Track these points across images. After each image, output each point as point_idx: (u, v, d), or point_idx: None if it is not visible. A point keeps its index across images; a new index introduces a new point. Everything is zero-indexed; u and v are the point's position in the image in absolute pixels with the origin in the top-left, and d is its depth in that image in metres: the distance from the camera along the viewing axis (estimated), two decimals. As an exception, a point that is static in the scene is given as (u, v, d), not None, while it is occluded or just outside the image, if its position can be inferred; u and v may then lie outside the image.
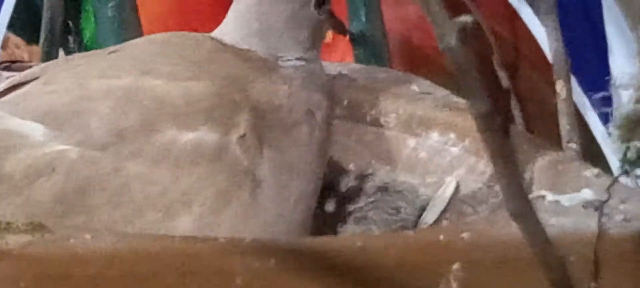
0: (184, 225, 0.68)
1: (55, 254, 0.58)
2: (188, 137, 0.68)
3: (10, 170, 0.67)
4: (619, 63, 0.97)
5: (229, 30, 0.78)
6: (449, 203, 0.76)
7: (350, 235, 0.78)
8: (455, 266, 0.57)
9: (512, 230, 0.54)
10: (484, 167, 0.75)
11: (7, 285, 0.58)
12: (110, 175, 0.67)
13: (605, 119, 0.96)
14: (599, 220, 0.60)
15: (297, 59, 0.77)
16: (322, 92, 0.77)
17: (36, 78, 0.73)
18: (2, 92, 0.72)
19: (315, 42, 0.80)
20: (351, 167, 0.84)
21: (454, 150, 0.78)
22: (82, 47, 1.30)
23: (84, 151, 0.67)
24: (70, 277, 0.57)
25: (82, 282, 0.57)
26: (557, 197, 0.65)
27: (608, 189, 0.63)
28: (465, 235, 0.59)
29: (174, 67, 0.74)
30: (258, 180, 0.70)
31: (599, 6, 1.02)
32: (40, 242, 0.57)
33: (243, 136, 0.69)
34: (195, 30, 0.82)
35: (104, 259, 0.57)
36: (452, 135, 0.78)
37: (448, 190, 0.76)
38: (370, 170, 0.82)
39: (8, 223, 0.59)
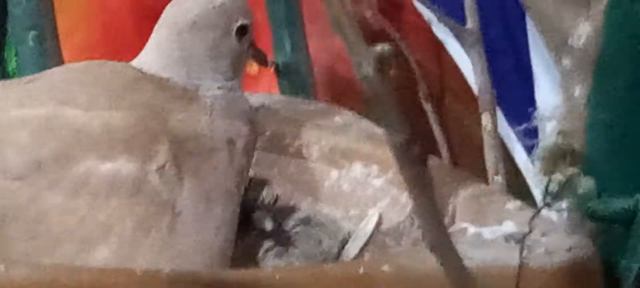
0: (102, 256, 0.67)
1: None
2: (106, 167, 0.67)
3: None
4: (544, 95, 0.98)
5: (149, 58, 0.77)
6: (371, 236, 0.76)
7: (271, 268, 0.75)
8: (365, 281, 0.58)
9: (433, 263, 0.56)
10: (407, 199, 0.73)
11: None
12: (27, 206, 0.66)
13: (530, 151, 0.97)
14: (521, 253, 0.59)
15: (218, 88, 0.77)
16: (244, 121, 0.77)
17: None
18: None
19: (236, 71, 0.80)
20: (274, 198, 0.82)
21: (377, 182, 0.77)
22: (6, 77, 1.25)
23: (0, 181, 0.66)
24: None
25: None
26: (478, 230, 0.65)
27: (530, 222, 0.62)
28: (385, 268, 0.58)
29: (93, 96, 0.72)
30: (177, 210, 0.69)
31: (525, 38, 1.02)
32: None
33: (162, 167, 0.69)
34: (121, 60, 0.81)
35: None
36: (374, 167, 0.78)
37: (370, 223, 0.76)
38: (292, 202, 0.81)
39: None
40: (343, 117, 0.84)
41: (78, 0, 1.37)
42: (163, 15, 0.78)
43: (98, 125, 0.69)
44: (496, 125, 1.02)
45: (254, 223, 0.82)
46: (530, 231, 0.61)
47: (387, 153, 0.75)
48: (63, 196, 0.66)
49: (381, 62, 0.43)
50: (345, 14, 0.44)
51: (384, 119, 0.44)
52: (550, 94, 0.98)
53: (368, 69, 0.41)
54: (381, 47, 0.42)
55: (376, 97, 0.43)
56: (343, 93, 1.04)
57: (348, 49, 0.43)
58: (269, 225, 0.81)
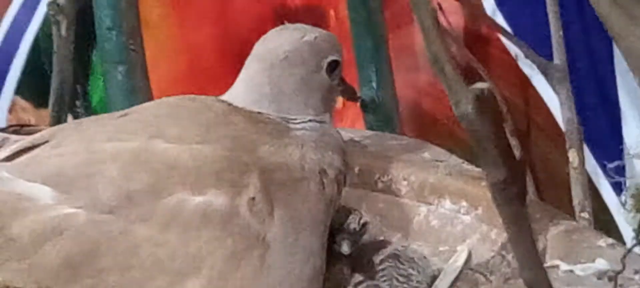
0: None
1: None
2: (197, 200, 0.68)
3: (17, 233, 0.67)
4: (633, 132, 0.97)
5: (239, 92, 0.77)
6: (461, 273, 0.76)
7: None
8: None
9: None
10: (496, 235, 0.75)
11: None
12: (119, 239, 0.68)
13: (618, 188, 0.96)
14: (615, 282, 0.61)
15: (310, 121, 0.77)
16: (336, 152, 0.77)
17: (45, 141, 0.73)
18: (11, 155, 0.72)
19: (327, 106, 0.80)
20: (363, 230, 0.81)
21: (466, 218, 0.77)
22: (90, 111, 1.32)
23: (92, 214, 0.67)
24: None
25: None
26: (571, 267, 0.66)
27: (622, 259, 0.62)
28: None
29: (183, 130, 0.74)
30: (267, 241, 0.70)
31: (613, 75, 1.01)
32: None
33: (252, 198, 0.69)
34: (206, 94, 0.81)
35: None
36: (464, 204, 0.78)
37: (460, 259, 0.76)
38: (381, 237, 0.81)
39: None
40: (432, 152, 0.85)
41: (164, 34, 1.38)
42: (254, 51, 0.79)
43: (189, 158, 0.70)
44: (583, 162, 1.02)
45: (335, 247, 0.81)
46: (623, 268, 0.62)
47: (476, 190, 0.79)
48: (154, 229, 0.67)
49: (480, 101, 0.44)
50: (445, 52, 0.46)
51: (482, 157, 0.46)
52: (638, 130, 0.96)
53: (467, 107, 0.43)
54: (480, 86, 0.43)
55: (475, 136, 0.45)
56: (429, 129, 1.04)
57: (446, 86, 0.45)
58: (346, 248, 0.80)
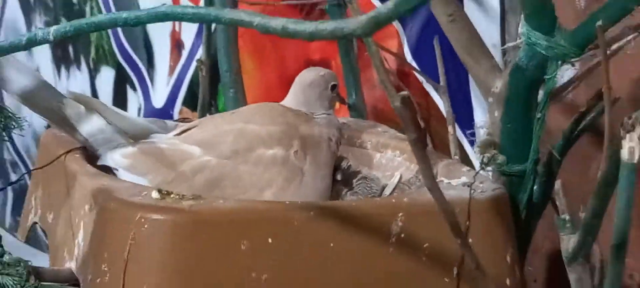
0: (268, 196, 1.02)
1: (206, 210, 0.90)
2: (269, 152, 1.03)
3: (183, 170, 1.01)
4: (479, 116, 1.39)
5: (289, 101, 1.13)
6: (396, 185, 1.13)
7: (349, 200, 1.13)
8: (400, 214, 0.93)
9: (429, 197, 0.82)
10: (414, 167, 1.11)
11: (183, 226, 0.89)
12: (232, 171, 1.01)
13: (472, 144, 1.30)
14: (470, 192, 0.96)
15: (322, 114, 1.14)
16: (335, 128, 1.12)
17: (195, 126, 1.08)
18: (180, 132, 1.06)
19: (331, 106, 1.16)
20: (345, 167, 1.20)
21: (399, 159, 1.16)
22: (217, 111, 1.63)
23: (218, 160, 1.02)
24: (214, 220, 0.90)
25: (220, 222, 0.90)
26: (449, 181, 1.04)
27: (474, 177, 0.99)
28: (405, 199, 0.97)
29: (262, 118, 1.08)
30: (303, 172, 1.04)
31: (468, 89, 1.40)
32: (199, 204, 0.90)
33: (296, 151, 1.05)
34: (274, 101, 1.17)
35: (230, 212, 0.91)
36: (397, 152, 1.18)
37: (396, 179, 1.13)
38: (358, 169, 1.19)
39: (183, 195, 0.91)
40: (382, 128, 1.23)
41: (252, 73, 1.75)
42: (296, 80, 1.14)
43: (266, 132, 1.05)
44: (455, 132, 1.32)
45: (336, 176, 1.17)
46: (474, 182, 0.99)
47: (403, 145, 1.19)
48: (249, 166, 1.02)
49: (403, 102, 0.72)
50: (387, 79, 0.75)
51: (406, 128, 0.74)
52: (482, 115, 1.34)
53: (397, 104, 0.71)
54: (402, 93, 0.75)
55: (402, 118, 0.73)
56: (381, 117, 1.44)
57: (388, 95, 0.72)
58: (339, 176, 1.17)
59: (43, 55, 2.08)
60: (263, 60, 1.78)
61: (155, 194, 0.94)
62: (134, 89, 1.90)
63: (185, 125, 1.10)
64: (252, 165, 1.02)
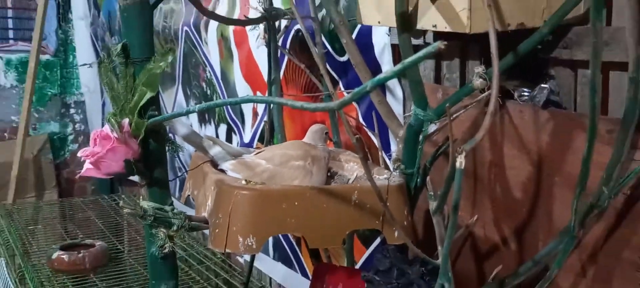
0: (296, 183, 0.96)
1: (266, 189, 0.91)
2: (297, 163, 0.97)
3: (257, 171, 0.95)
4: (392, 147, 1.24)
5: (305, 139, 1.04)
6: (355, 179, 1.06)
7: (333, 185, 1.05)
8: (356, 191, 0.92)
9: (369, 185, 0.86)
10: (361, 170, 1.05)
11: (255, 197, 0.89)
12: (279, 172, 0.96)
13: (389, 159, 1.19)
14: (388, 181, 0.95)
15: (321, 146, 1.03)
16: (327, 153, 1.02)
17: (263, 151, 1.02)
18: (256, 153, 1.00)
19: (325, 142, 1.05)
20: (332, 171, 1.09)
21: (356, 167, 1.08)
22: (273, 144, 1.41)
23: (273, 167, 0.96)
24: (269, 194, 0.90)
25: (272, 195, 0.89)
26: (378, 176, 0.99)
27: (390, 175, 0.99)
28: (358, 185, 0.99)
29: (293, 148, 1.01)
30: (312, 173, 0.98)
31: (387, 132, 1.23)
32: (263, 187, 0.92)
33: (310, 162, 0.98)
34: (300, 138, 1.06)
35: (277, 191, 0.91)
36: (355, 164, 1.09)
37: (354, 175, 1.07)
38: (337, 171, 1.10)
39: (256, 183, 0.94)
40: (348, 152, 1.13)
41: (288, 124, 1.55)
42: (308, 130, 1.05)
43: (295, 154, 0.98)
44: (382, 153, 1.21)
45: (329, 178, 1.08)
46: (390, 176, 0.98)
47: (355, 160, 1.09)
48: (287, 170, 0.96)
49: (358, 140, 0.88)
50: (350, 128, 0.89)
51: (359, 152, 0.84)
52: (394, 147, 1.19)
53: (354, 141, 0.82)
54: (357, 136, 0.87)
55: (357, 148, 0.82)
56: (348, 148, 1.28)
57: (350, 136, 0.86)
58: (328, 174, 1.07)
59: (194, 117, 2.05)
60: (294, 120, 1.60)
61: (243, 182, 0.97)
62: (235, 133, 1.85)
63: (258, 151, 1.05)
64: (288, 169, 0.97)
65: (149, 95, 0.83)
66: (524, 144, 1.02)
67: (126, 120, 0.85)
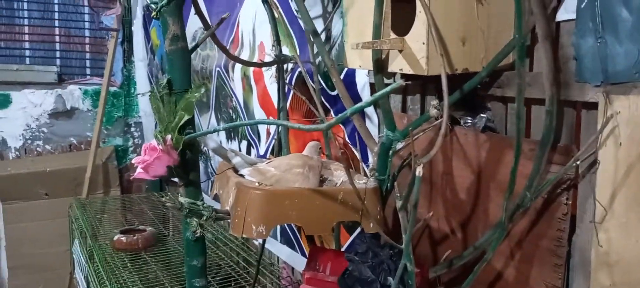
0: (297, 185, 0.87)
1: (273, 190, 0.84)
2: (297, 170, 0.86)
3: (267, 176, 0.86)
4: (370, 159, 1.10)
5: (305, 152, 0.94)
6: (341, 182, 0.94)
7: (324, 187, 0.91)
8: (341, 192, 0.86)
9: (351, 188, 0.87)
10: (346, 177, 0.91)
11: (265, 195, 0.83)
12: (284, 177, 0.86)
13: (367, 167, 1.13)
14: (366, 184, 0.89)
15: (315, 158, 0.93)
16: (320, 163, 0.92)
17: (273, 160, 0.91)
18: (267, 162, 0.90)
19: (319, 155, 0.95)
20: (324, 176, 0.96)
21: (342, 174, 0.95)
22: (281, 155, 1.30)
23: (279, 173, 0.86)
24: (276, 193, 0.84)
25: (278, 194, 0.84)
26: (358, 181, 0.92)
27: (367, 180, 0.95)
28: (343, 187, 0.90)
29: (295, 158, 0.91)
30: (309, 178, 0.87)
31: (366, 148, 1.11)
32: (271, 188, 0.85)
33: (308, 169, 0.88)
34: (301, 152, 0.96)
35: (282, 191, 0.85)
36: (341, 172, 0.95)
37: (340, 180, 0.94)
38: (327, 177, 0.96)
39: (266, 185, 0.87)
40: (336, 163, 1.00)
41: (292, 140, 1.44)
42: (307, 146, 0.95)
43: (296, 163, 0.88)
44: (361, 164, 1.17)
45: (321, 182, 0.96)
46: (367, 181, 0.93)
47: (341, 168, 0.98)
48: (290, 175, 0.86)
49: (343, 153, 0.85)
50: (337, 144, 0.86)
51: (344, 163, 0.83)
52: (371, 159, 1.05)
53: (339, 154, 0.82)
54: (341, 151, 0.87)
55: (345, 159, 0.83)
56: (336, 160, 1.17)
57: (337, 152, 0.86)
58: (320, 179, 0.94)
59: (223, 135, 2.00)
60: (297, 138, 1.47)
61: (256, 184, 0.91)
62: (253, 147, 1.79)
63: (269, 161, 0.96)
64: (291, 175, 0.88)
65: (186, 117, 0.81)
66: (467, 159, 1.03)
67: (169, 136, 0.83)
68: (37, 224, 2.87)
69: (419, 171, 0.73)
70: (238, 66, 1.82)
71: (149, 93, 0.81)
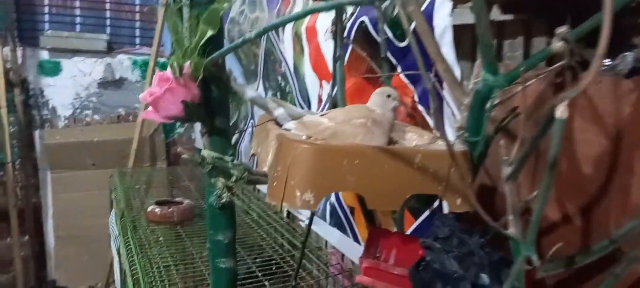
0: (358, 141, 0.71)
1: (326, 145, 0.66)
2: (358, 121, 0.71)
3: (319, 129, 0.70)
4: (448, 128, 0.94)
5: (368, 104, 0.76)
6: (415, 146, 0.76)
7: (396, 147, 0.75)
8: (420, 154, 0.66)
9: (432, 148, 0.69)
10: (421, 141, 0.78)
11: (315, 152, 0.65)
12: (341, 130, 0.71)
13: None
14: (452, 147, 0.67)
15: (384, 112, 0.75)
16: (392, 117, 0.75)
17: (327, 113, 0.76)
18: (321, 114, 0.76)
19: (391, 110, 0.77)
20: (393, 139, 0.79)
21: (414, 136, 0.79)
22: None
23: (335, 125, 0.71)
24: (330, 150, 0.65)
25: (332, 151, 0.65)
26: (440, 143, 0.73)
27: (454, 140, 0.71)
28: (422, 148, 0.69)
29: (354, 110, 0.76)
30: (373, 133, 0.72)
31: (442, 105, 0.93)
32: (324, 143, 0.66)
33: (372, 122, 0.72)
34: (361, 102, 0.79)
35: (337, 147, 0.65)
36: (414, 134, 0.80)
37: (412, 144, 0.77)
38: (397, 140, 0.79)
39: (317, 139, 0.69)
40: (407, 125, 0.84)
41: (349, 89, 1.25)
42: (373, 94, 0.77)
43: (357, 113, 0.73)
44: (443, 122, 0.95)
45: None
46: (454, 142, 0.70)
47: (417, 130, 0.80)
48: (349, 127, 0.70)
49: (436, 110, 0.59)
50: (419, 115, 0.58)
51: (435, 123, 0.58)
52: (455, 112, 0.92)
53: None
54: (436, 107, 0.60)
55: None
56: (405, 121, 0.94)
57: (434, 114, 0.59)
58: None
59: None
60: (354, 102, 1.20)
61: (304, 138, 0.72)
62: None
63: (323, 112, 0.79)
64: (351, 127, 0.72)
65: (210, 32, 0.58)
66: (599, 117, 0.74)
67: (187, 64, 0.59)
68: (83, 194, 2.83)
69: (562, 111, 0.44)
70: (289, 25, 1.71)
71: (164, 6, 0.57)
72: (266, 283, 1.25)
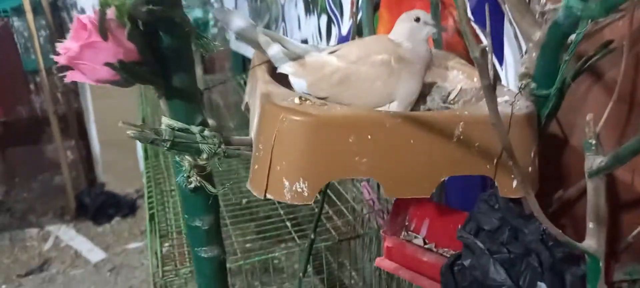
0: (378, 85, 0.58)
1: (327, 114, 0.49)
2: (379, 57, 0.58)
3: (325, 72, 0.58)
4: (507, 52, 0.73)
5: (392, 35, 0.61)
6: (458, 93, 0.63)
7: (425, 111, 0.61)
8: (461, 123, 0.50)
9: (479, 112, 0.51)
10: (469, 82, 0.63)
11: (310, 125, 0.49)
12: (355, 71, 0.58)
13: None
14: (512, 108, 0.52)
15: (413, 45, 0.60)
16: (427, 54, 0.60)
17: (339, 49, 0.60)
18: (330, 51, 0.61)
19: (424, 39, 0.61)
20: (429, 80, 0.65)
21: (461, 76, 0.64)
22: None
23: (348, 64, 0.58)
24: (332, 122, 0.49)
25: (336, 123, 0.49)
26: (499, 99, 0.53)
27: (515, 97, 0.54)
28: (465, 112, 0.51)
29: (375, 42, 0.63)
30: (400, 75, 0.58)
31: (502, 39, 0.74)
32: (323, 110, 0.49)
33: (397, 62, 0.58)
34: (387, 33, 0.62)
35: (343, 116, 0.49)
36: (460, 72, 0.65)
37: (458, 88, 0.64)
38: (435, 81, 0.66)
39: (314, 102, 0.52)
40: (451, 56, 0.69)
41: (387, 20, 1.01)
42: (397, 21, 0.62)
43: (376, 48, 0.59)
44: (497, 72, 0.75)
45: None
46: (514, 100, 0.54)
47: (464, 68, 0.65)
48: (366, 67, 0.57)
49: (482, 52, 0.36)
50: (472, 32, 0.37)
51: (480, 73, 0.37)
52: (510, 56, 0.72)
53: (476, 55, 0.35)
54: (481, 45, 0.36)
55: (479, 65, 0.37)
56: (449, 49, 0.80)
57: (468, 45, 0.36)
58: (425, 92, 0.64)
59: (301, 8, 1.61)
60: (392, 12, 1.00)
61: (296, 100, 0.51)
62: (334, 24, 1.42)
63: (332, 48, 0.61)
64: (368, 66, 0.57)
65: None
66: None
67: (111, 9, 0.40)
68: (122, 100, 2.76)
69: None
70: None
71: None
72: (288, 224, 1.13)
